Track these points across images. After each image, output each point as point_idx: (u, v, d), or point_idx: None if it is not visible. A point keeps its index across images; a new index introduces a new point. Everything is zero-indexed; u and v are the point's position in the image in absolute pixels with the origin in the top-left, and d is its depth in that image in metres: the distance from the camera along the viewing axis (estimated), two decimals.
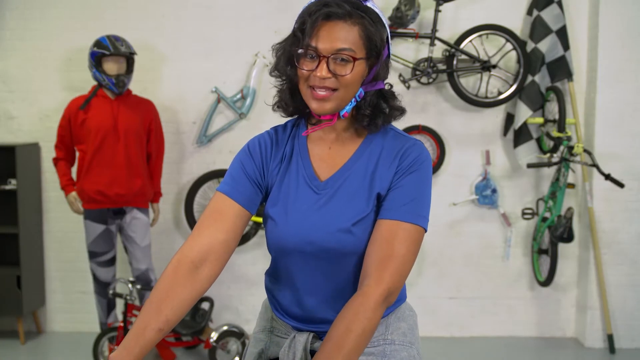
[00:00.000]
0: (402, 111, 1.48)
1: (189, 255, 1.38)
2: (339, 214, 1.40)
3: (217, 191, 1.45)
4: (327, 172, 1.45)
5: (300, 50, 1.35)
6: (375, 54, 1.38)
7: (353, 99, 1.40)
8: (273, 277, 1.54)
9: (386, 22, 1.41)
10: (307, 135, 1.49)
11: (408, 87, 4.03)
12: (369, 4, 1.36)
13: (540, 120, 4.00)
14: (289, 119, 1.53)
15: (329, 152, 1.47)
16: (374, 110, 1.43)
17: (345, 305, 1.31)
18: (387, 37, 1.41)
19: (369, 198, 1.41)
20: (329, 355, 1.25)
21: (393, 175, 1.41)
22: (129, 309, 3.52)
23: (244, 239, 4.10)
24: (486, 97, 4.05)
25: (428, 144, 4.19)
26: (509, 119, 4.17)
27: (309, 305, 1.47)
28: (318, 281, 1.45)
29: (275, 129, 1.53)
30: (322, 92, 1.35)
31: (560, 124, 3.82)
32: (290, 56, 1.38)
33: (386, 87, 1.46)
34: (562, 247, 4.12)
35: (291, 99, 1.45)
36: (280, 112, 1.49)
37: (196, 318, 3.79)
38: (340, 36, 1.32)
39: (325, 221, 1.40)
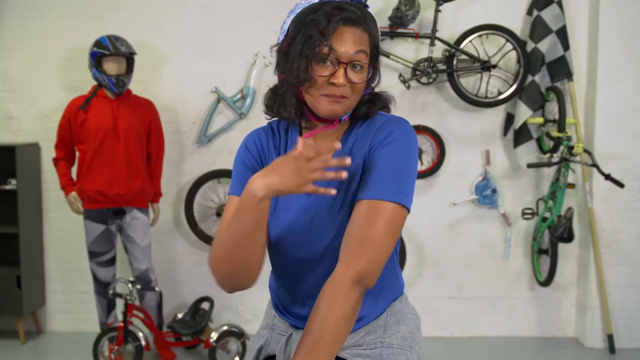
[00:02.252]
0: (389, 97, 1.46)
1: None
2: (325, 210, 1.40)
3: (229, 195, 1.46)
4: None
5: (323, 52, 1.31)
6: (375, 58, 1.40)
7: None
8: (273, 275, 1.57)
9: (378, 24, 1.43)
10: (299, 135, 1.46)
11: (408, 87, 4.03)
12: (369, 10, 1.38)
13: (540, 120, 4.00)
14: None
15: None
16: (369, 105, 1.43)
17: (319, 295, 1.28)
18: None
19: (345, 187, 1.38)
20: (308, 349, 1.23)
21: (367, 153, 1.37)
22: (129, 309, 3.52)
23: None
24: (486, 97, 4.05)
25: (428, 144, 4.19)
26: (509, 119, 4.17)
27: (306, 302, 1.47)
28: (311, 277, 1.45)
29: (270, 125, 1.52)
30: (336, 98, 1.34)
31: (560, 124, 3.82)
32: (305, 60, 1.32)
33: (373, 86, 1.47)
34: (562, 247, 4.12)
35: (297, 104, 1.38)
36: (284, 119, 1.43)
37: (196, 318, 3.79)
38: (358, 41, 1.33)
39: (312, 218, 1.40)
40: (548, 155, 3.97)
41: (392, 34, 3.99)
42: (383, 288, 1.47)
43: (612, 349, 4.02)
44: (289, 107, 1.38)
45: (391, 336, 1.47)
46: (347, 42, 1.31)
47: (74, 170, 3.84)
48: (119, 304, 4.00)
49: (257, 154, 1.47)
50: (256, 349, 1.57)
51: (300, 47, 1.31)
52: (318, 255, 1.42)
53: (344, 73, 1.32)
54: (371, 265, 1.27)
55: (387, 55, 4.00)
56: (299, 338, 1.46)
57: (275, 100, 1.41)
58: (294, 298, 1.49)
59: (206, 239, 4.13)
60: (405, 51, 4.14)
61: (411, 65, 4.02)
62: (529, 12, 4.10)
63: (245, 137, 1.51)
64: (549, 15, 3.98)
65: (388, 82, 4.06)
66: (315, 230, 1.40)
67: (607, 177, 3.75)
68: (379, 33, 1.41)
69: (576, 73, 4.13)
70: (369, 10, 1.38)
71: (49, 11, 4.15)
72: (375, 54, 1.38)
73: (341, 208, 1.39)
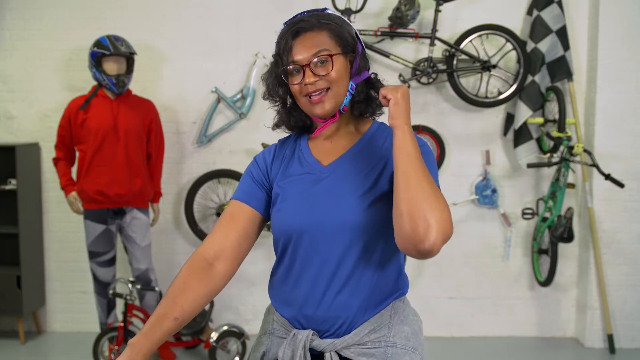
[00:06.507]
0: (377, 82, 1.59)
1: (202, 254, 1.49)
2: (341, 189, 1.47)
3: (231, 199, 1.58)
4: (328, 159, 1.54)
5: (287, 68, 1.47)
6: (351, 49, 1.51)
7: (348, 93, 1.51)
8: (275, 272, 1.56)
9: (350, 22, 1.57)
10: (309, 137, 1.60)
11: (408, 87, 4.02)
12: (329, 12, 1.52)
13: (540, 120, 4.00)
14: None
15: (330, 145, 1.57)
16: (366, 98, 1.56)
17: None
18: (356, 33, 1.55)
19: (375, 180, 1.47)
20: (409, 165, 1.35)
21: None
22: (129, 309, 3.52)
23: None
24: (486, 97, 4.06)
25: (428, 144, 4.19)
26: (509, 119, 4.18)
27: (311, 294, 1.47)
28: (320, 268, 1.45)
29: (280, 141, 1.65)
30: (317, 96, 1.47)
31: (560, 124, 3.82)
32: (279, 79, 1.51)
33: (372, 76, 1.58)
34: (562, 247, 4.12)
35: (288, 116, 1.58)
36: (282, 130, 1.62)
37: (196, 318, 3.78)
38: (313, 43, 1.47)
39: (327, 198, 1.46)
40: (548, 155, 3.97)
41: (392, 34, 3.99)
42: (388, 283, 1.50)
43: (612, 349, 4.02)
44: (281, 120, 1.59)
45: (395, 335, 1.49)
46: (304, 49, 1.47)
47: (74, 170, 3.84)
48: (119, 304, 4.00)
49: (264, 167, 1.59)
50: (258, 357, 1.57)
51: (271, 72, 1.54)
52: (331, 234, 1.44)
53: (310, 72, 1.46)
54: None
55: (387, 55, 4.00)
56: (301, 338, 1.46)
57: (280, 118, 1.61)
58: (298, 289, 1.48)
59: None
60: (405, 51, 4.14)
61: (411, 65, 4.02)
62: (529, 12, 4.10)
63: (258, 154, 1.65)
64: (549, 15, 3.98)
65: (388, 82, 4.06)
66: (329, 204, 1.45)
67: (607, 177, 3.75)
68: (351, 26, 1.54)
69: (576, 73, 4.13)
70: (329, 11, 1.52)
71: (49, 11, 4.15)
72: (345, 44, 1.49)
73: (359, 186, 1.46)
